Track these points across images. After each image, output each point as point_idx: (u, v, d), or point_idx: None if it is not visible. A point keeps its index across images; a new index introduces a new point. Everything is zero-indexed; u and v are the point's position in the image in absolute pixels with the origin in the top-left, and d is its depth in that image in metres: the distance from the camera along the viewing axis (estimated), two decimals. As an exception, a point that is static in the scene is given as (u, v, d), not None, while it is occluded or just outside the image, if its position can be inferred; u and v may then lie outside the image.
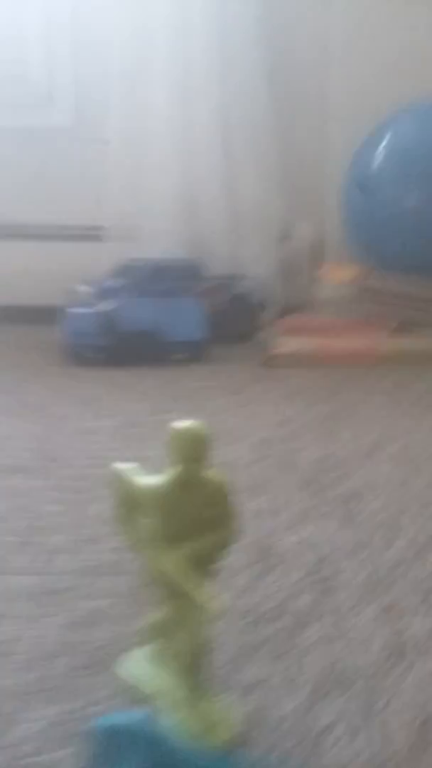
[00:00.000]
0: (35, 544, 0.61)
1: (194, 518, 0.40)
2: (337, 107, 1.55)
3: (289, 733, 0.40)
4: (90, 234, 1.55)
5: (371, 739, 0.39)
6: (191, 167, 1.49)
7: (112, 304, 1.21)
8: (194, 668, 0.40)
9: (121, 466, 0.42)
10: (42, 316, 1.37)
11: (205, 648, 0.40)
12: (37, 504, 0.69)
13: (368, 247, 1.43)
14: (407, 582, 0.55)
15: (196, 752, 0.33)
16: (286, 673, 0.44)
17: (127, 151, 1.52)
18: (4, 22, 1.59)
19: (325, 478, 0.75)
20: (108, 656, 0.45)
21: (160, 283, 1.28)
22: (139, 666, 0.44)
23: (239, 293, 1.37)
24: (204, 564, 0.40)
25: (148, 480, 0.41)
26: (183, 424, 0.39)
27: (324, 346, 1.24)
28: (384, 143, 1.39)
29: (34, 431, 0.89)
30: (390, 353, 1.23)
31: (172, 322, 1.21)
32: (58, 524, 0.64)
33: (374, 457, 0.81)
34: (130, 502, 0.41)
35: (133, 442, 0.85)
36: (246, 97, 1.49)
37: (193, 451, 0.39)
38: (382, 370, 1.17)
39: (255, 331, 1.36)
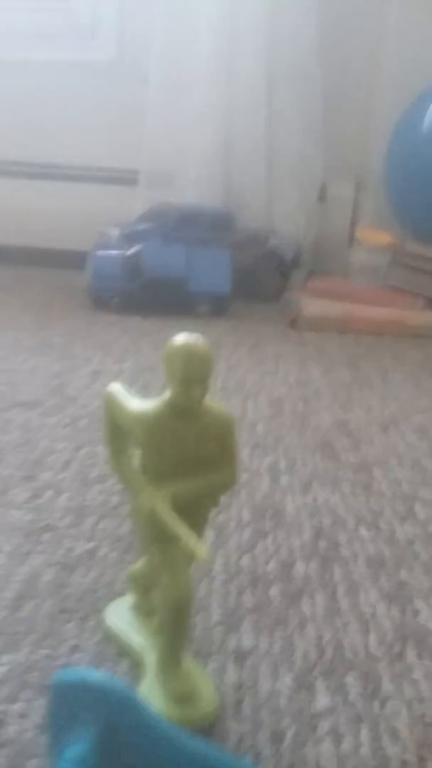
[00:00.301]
0: (38, 480, 0.60)
1: (189, 453, 0.35)
2: (389, 66, 1.48)
3: (281, 712, 0.37)
4: (125, 177, 1.52)
5: (374, 730, 0.36)
6: (232, 113, 1.44)
7: (138, 248, 1.18)
8: (176, 625, 0.36)
9: (115, 387, 0.37)
10: (72, 260, 1.35)
11: (189, 602, 0.36)
12: (47, 440, 0.68)
13: (407, 214, 1.38)
14: (417, 564, 0.52)
15: (164, 721, 0.29)
16: (281, 644, 0.42)
17: (166, 91, 1.46)
18: None
19: (339, 444, 0.73)
20: (97, 601, 0.44)
21: (189, 230, 1.24)
22: (122, 617, 0.42)
23: (270, 249, 1.34)
24: (197, 508, 0.36)
25: (140, 405, 0.35)
26: (181, 338, 0.34)
27: (351, 312, 1.21)
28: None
29: (53, 370, 0.89)
30: (418, 327, 1.20)
31: (198, 272, 1.18)
32: (65, 462, 0.63)
33: (391, 431, 0.78)
34: (120, 429, 0.37)
35: (145, 386, 0.84)
36: (294, 46, 1.42)
37: (191, 371, 0.33)
38: (408, 343, 1.14)
39: (283, 290, 1.32)
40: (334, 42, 1.44)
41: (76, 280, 1.27)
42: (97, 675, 0.30)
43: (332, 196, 1.51)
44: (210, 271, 1.19)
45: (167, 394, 0.35)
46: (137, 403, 0.36)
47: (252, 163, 1.44)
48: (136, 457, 0.37)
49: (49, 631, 0.41)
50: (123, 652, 0.40)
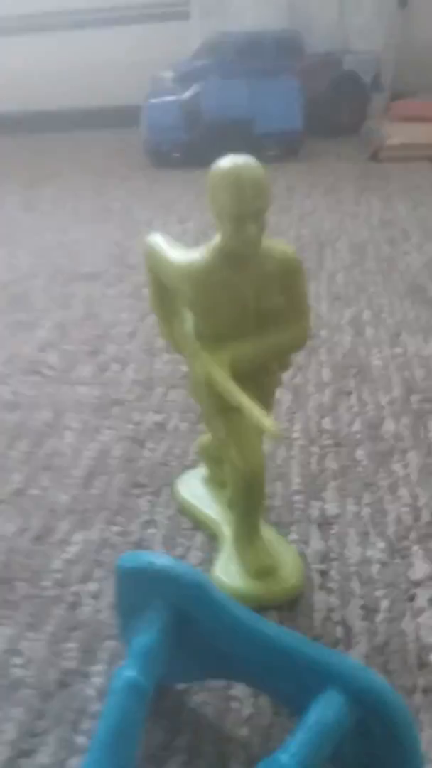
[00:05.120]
0: (104, 353, 0.57)
1: (249, 309, 0.29)
2: None
3: (374, 582, 0.33)
4: (175, 11, 1.36)
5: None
6: None
7: (195, 90, 1.06)
8: (248, 500, 0.33)
9: (155, 238, 0.31)
10: (129, 116, 1.24)
11: (260, 475, 0.32)
12: (110, 312, 0.64)
13: None
14: None
15: (236, 605, 0.26)
16: (371, 509, 0.38)
17: None
18: None
19: (431, 286, 0.65)
20: (169, 474, 0.42)
21: (252, 61, 1.10)
22: (194, 489, 0.39)
23: (345, 72, 1.17)
24: (263, 372, 0.31)
25: (185, 256, 0.29)
26: (227, 163, 0.27)
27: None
28: None
29: (114, 237, 0.85)
30: None
31: (264, 109, 1.06)
32: (129, 333, 0.60)
33: None
34: (167, 289, 0.31)
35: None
36: None
37: (242, 204, 0.26)
38: None
39: (362, 119, 1.17)
40: None
41: (134, 137, 1.18)
42: (164, 559, 0.27)
43: (416, 0, 1.29)
44: (278, 107, 1.06)
45: (216, 239, 0.28)
46: (182, 255, 0.29)
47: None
48: (188, 319, 0.32)
49: (121, 507, 0.40)
50: (198, 525, 0.38)
